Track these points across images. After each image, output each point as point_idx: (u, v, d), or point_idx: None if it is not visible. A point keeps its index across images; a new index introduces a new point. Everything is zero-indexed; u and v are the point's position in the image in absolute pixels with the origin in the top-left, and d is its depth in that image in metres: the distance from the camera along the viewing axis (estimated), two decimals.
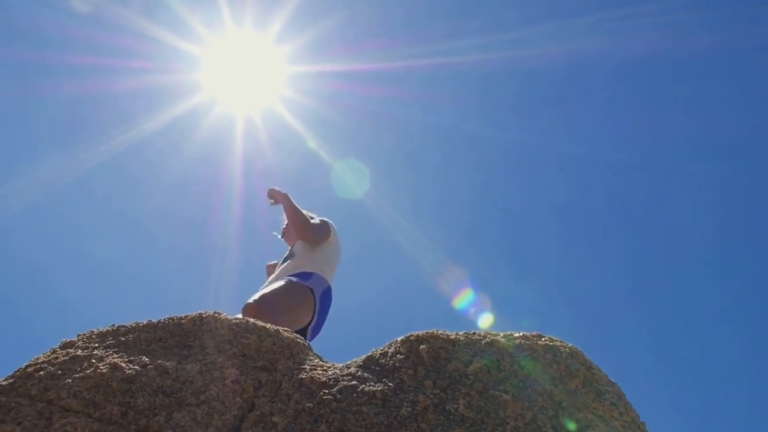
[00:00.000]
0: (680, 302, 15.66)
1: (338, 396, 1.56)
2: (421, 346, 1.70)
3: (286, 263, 3.43)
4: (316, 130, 12.88)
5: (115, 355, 1.69)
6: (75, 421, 1.46)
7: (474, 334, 1.75)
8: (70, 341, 1.79)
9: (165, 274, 15.00)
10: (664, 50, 13.23)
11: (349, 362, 1.75)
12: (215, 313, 1.92)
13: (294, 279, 3.15)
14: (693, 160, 15.15)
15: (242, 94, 12.61)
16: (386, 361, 1.70)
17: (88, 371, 1.59)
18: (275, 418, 1.50)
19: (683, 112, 14.29)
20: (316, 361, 1.78)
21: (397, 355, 1.70)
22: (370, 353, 1.77)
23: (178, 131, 12.75)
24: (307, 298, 3.11)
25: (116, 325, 1.87)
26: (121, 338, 1.80)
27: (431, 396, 1.54)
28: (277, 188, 3.60)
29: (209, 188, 13.40)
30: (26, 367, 1.64)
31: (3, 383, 1.58)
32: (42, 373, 1.60)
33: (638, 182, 15.71)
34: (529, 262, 16.24)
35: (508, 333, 1.74)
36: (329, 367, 1.72)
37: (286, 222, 3.85)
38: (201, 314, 1.90)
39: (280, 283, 3.09)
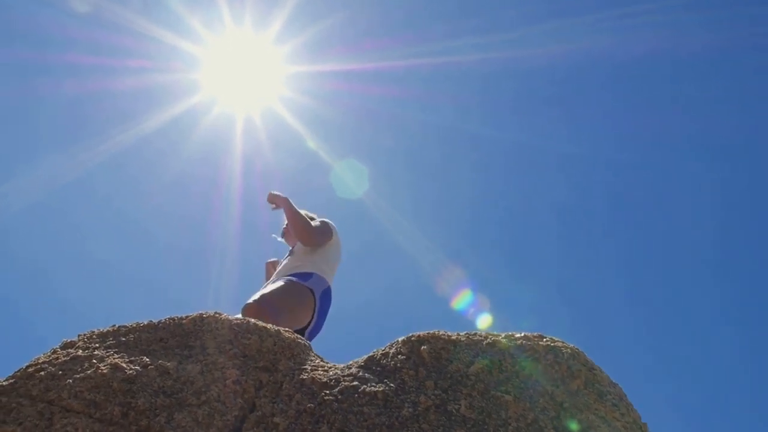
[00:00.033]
0: (680, 302, 15.67)
1: (339, 397, 1.55)
2: (423, 347, 1.69)
3: (286, 263, 3.43)
4: (315, 129, 12.88)
5: (115, 356, 1.68)
6: (76, 421, 1.45)
7: (475, 334, 1.75)
8: (71, 341, 1.78)
9: (165, 274, 15.00)
10: (664, 50, 13.25)
11: (350, 363, 1.75)
12: (216, 313, 1.91)
13: (294, 279, 3.14)
14: (692, 160, 15.17)
15: (242, 93, 12.61)
16: (387, 361, 1.70)
17: (88, 371, 1.59)
18: (276, 419, 1.50)
19: (683, 111, 14.30)
20: (317, 361, 1.78)
21: (399, 356, 1.70)
22: (371, 354, 1.76)
23: (178, 131, 12.74)
24: (306, 298, 3.11)
25: (117, 326, 1.87)
26: (121, 338, 1.79)
27: (433, 397, 1.54)
28: (277, 192, 3.59)
29: (209, 188, 13.40)
30: (27, 367, 1.64)
31: (4, 383, 1.58)
32: (43, 373, 1.60)
33: (638, 182, 15.72)
34: (529, 262, 16.24)
35: (510, 333, 1.74)
36: (330, 368, 1.72)
37: (286, 222, 3.85)
38: (202, 314, 1.89)
39: (280, 283, 3.09)
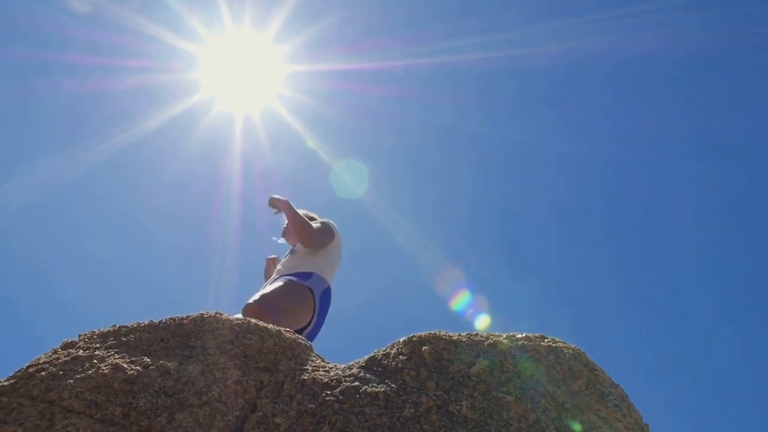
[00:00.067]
0: (680, 302, 15.68)
1: (341, 397, 1.55)
2: (424, 347, 1.69)
3: (286, 262, 3.43)
4: (315, 129, 12.88)
5: (116, 356, 1.68)
6: (77, 422, 1.45)
7: (477, 335, 1.74)
8: (72, 341, 1.78)
9: (164, 274, 14.99)
10: (663, 49, 13.25)
11: (351, 363, 1.75)
12: (216, 313, 1.91)
13: (294, 279, 3.14)
14: (692, 160, 15.18)
15: (241, 93, 12.60)
16: (388, 362, 1.70)
17: (89, 372, 1.59)
18: (277, 419, 1.50)
19: (682, 111, 14.30)
20: (318, 361, 1.78)
21: (400, 356, 1.70)
22: (372, 354, 1.76)
23: (177, 130, 12.73)
24: (306, 298, 3.11)
25: (117, 326, 1.87)
26: (122, 338, 1.79)
27: (434, 397, 1.54)
28: (277, 195, 3.59)
29: (208, 187, 13.39)
30: (28, 367, 1.64)
31: (4, 383, 1.58)
32: (43, 373, 1.60)
33: (637, 182, 15.72)
34: (529, 262, 16.24)
35: (511, 334, 1.74)
36: (331, 368, 1.72)
37: (286, 221, 3.85)
38: (202, 315, 1.89)
39: (280, 283, 3.09)
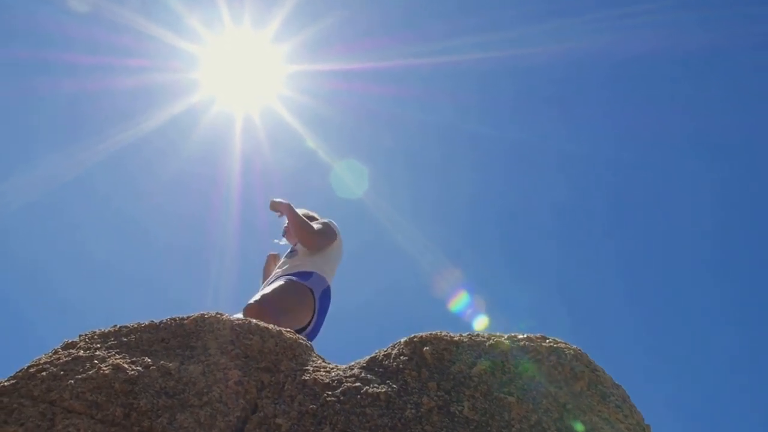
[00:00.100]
0: (679, 301, 15.68)
1: (342, 398, 1.55)
2: (425, 348, 1.69)
3: (287, 261, 3.43)
4: (314, 129, 12.87)
5: (117, 356, 1.68)
6: (78, 422, 1.45)
7: (478, 335, 1.74)
8: (72, 342, 1.78)
9: (164, 273, 14.98)
10: (663, 49, 13.25)
11: (352, 363, 1.75)
12: (217, 313, 1.91)
13: (294, 278, 3.15)
14: (691, 159, 15.18)
15: (241, 92, 12.59)
16: (390, 362, 1.70)
17: (90, 372, 1.58)
18: (278, 420, 1.50)
19: (682, 110, 14.30)
20: (318, 362, 1.78)
21: (401, 357, 1.70)
22: (373, 354, 1.76)
23: (177, 130, 12.72)
24: (307, 298, 3.11)
25: (118, 326, 1.87)
26: (123, 339, 1.79)
27: (435, 398, 1.54)
28: (278, 199, 3.60)
29: (208, 187, 13.38)
30: (28, 367, 1.63)
31: (5, 384, 1.57)
32: (44, 373, 1.59)
33: (637, 181, 15.72)
34: (528, 261, 16.24)
35: (513, 335, 1.73)
36: (332, 369, 1.72)
37: (286, 221, 3.85)
38: (203, 315, 1.89)
39: (280, 282, 3.09)
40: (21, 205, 12.49)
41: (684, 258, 15.57)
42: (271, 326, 1.89)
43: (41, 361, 1.66)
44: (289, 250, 3.58)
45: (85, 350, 1.71)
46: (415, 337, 1.75)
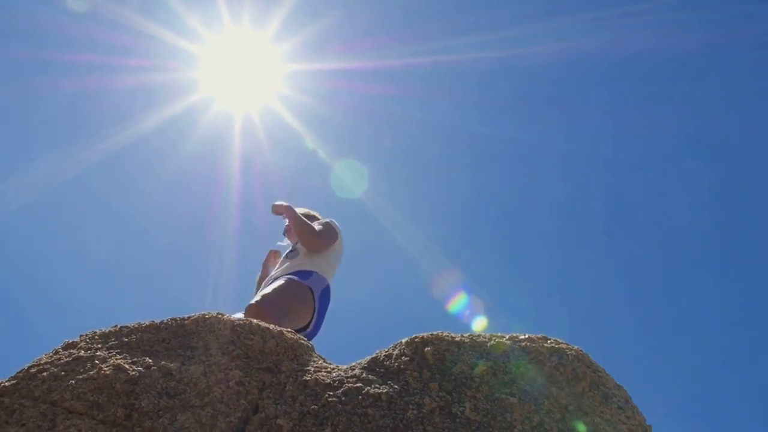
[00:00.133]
0: (678, 301, 15.68)
1: (343, 398, 1.55)
2: (426, 348, 1.69)
3: (287, 260, 3.44)
4: (314, 128, 12.87)
5: (118, 356, 1.68)
6: (79, 422, 1.45)
7: (479, 336, 1.74)
8: (73, 342, 1.78)
9: (164, 273, 14.98)
10: (662, 48, 13.26)
11: (354, 364, 1.75)
12: (218, 313, 1.91)
13: (294, 278, 3.15)
14: (690, 158, 15.19)
15: (240, 92, 12.59)
16: (391, 363, 1.69)
17: (91, 372, 1.58)
18: (280, 421, 1.49)
19: (680, 109, 14.31)
20: (320, 362, 1.78)
21: (402, 357, 1.70)
22: (374, 355, 1.76)
23: (176, 129, 12.72)
24: (307, 298, 3.11)
25: (119, 326, 1.86)
26: (123, 339, 1.79)
27: (437, 399, 1.53)
28: (279, 202, 3.62)
29: (207, 187, 13.38)
30: (29, 367, 1.63)
31: (6, 384, 1.57)
32: (45, 374, 1.59)
33: (636, 180, 15.73)
34: (527, 261, 16.24)
35: (514, 335, 1.73)
36: (333, 369, 1.72)
37: (287, 221, 3.85)
38: (204, 315, 1.89)
39: (281, 282, 3.09)
40: (21, 205, 12.49)
41: (683, 258, 15.58)
42: (272, 326, 1.89)
43: (42, 362, 1.65)
44: (289, 249, 3.58)
45: (86, 350, 1.71)
46: (416, 337, 1.75)
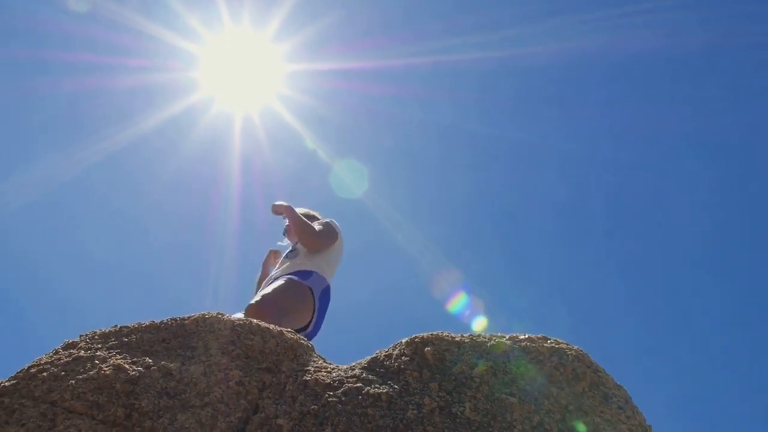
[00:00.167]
0: (678, 300, 15.68)
1: (343, 398, 1.55)
2: (426, 348, 1.69)
3: (287, 260, 3.44)
4: (314, 128, 12.88)
5: (118, 356, 1.68)
6: (79, 422, 1.45)
7: (479, 336, 1.74)
8: (73, 342, 1.78)
9: (163, 273, 14.98)
10: (661, 48, 13.26)
11: (354, 364, 1.75)
12: (218, 313, 1.91)
13: (294, 278, 3.15)
14: (690, 158, 15.19)
15: (240, 92, 12.59)
16: (391, 363, 1.69)
17: (91, 372, 1.58)
18: (280, 421, 1.49)
19: (680, 109, 14.32)
20: (319, 362, 1.78)
21: (402, 357, 1.70)
22: (374, 355, 1.76)
23: (176, 129, 12.72)
24: (307, 297, 3.11)
25: (119, 326, 1.86)
26: (123, 339, 1.79)
27: (437, 399, 1.53)
28: (279, 202, 3.62)
29: (207, 187, 13.38)
30: (29, 367, 1.63)
31: (6, 384, 1.57)
32: (45, 374, 1.59)
33: (636, 180, 15.73)
34: (527, 260, 16.24)
35: (514, 335, 1.73)
36: (333, 369, 1.72)
37: (287, 221, 3.86)
38: (204, 315, 1.89)
39: (281, 282, 3.09)
40: (20, 205, 12.48)
41: (683, 258, 15.58)
42: (272, 326, 1.89)
43: (42, 362, 1.65)
44: (289, 249, 3.59)
45: (86, 350, 1.71)
46: (416, 337, 1.75)
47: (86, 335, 1.82)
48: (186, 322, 1.86)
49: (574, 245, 15.98)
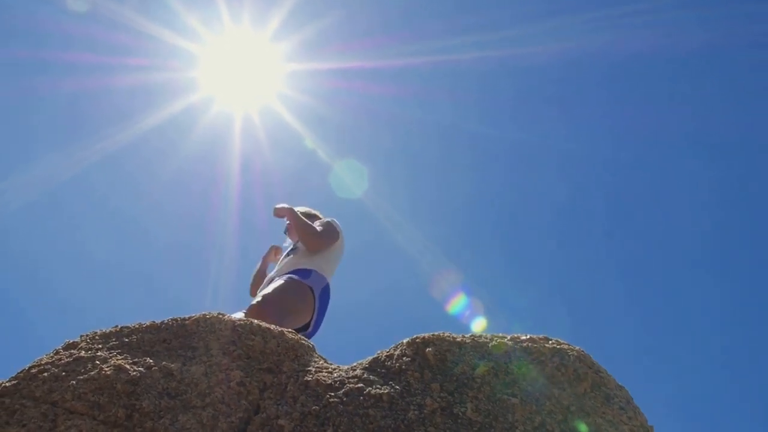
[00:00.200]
0: (678, 301, 15.68)
1: (344, 399, 1.55)
2: (428, 349, 1.69)
3: (287, 257, 3.45)
4: (314, 128, 12.88)
5: (119, 357, 1.67)
6: (80, 423, 1.44)
7: (481, 336, 1.74)
8: (74, 342, 1.77)
9: (163, 273, 14.98)
10: (661, 48, 13.26)
11: (355, 364, 1.75)
12: (219, 314, 1.91)
13: (294, 277, 3.15)
14: (690, 158, 15.20)
15: (240, 91, 12.59)
16: (392, 363, 1.69)
17: (92, 373, 1.58)
18: (281, 421, 1.49)
19: (680, 109, 14.32)
20: (321, 362, 1.78)
21: (404, 358, 1.70)
22: (375, 355, 1.76)
23: (176, 129, 12.72)
24: (307, 297, 3.12)
25: (119, 326, 1.86)
26: (124, 339, 1.78)
27: (438, 399, 1.53)
28: (280, 204, 3.63)
29: (207, 187, 13.37)
30: (30, 368, 1.63)
31: (6, 384, 1.57)
32: (46, 374, 1.59)
33: (636, 180, 15.73)
34: (527, 260, 16.24)
35: (515, 335, 1.73)
36: (334, 369, 1.71)
37: (287, 221, 3.86)
38: (205, 315, 1.89)
39: (281, 281, 3.10)
40: (21, 205, 12.48)
41: (683, 258, 15.59)
42: (272, 327, 1.89)
43: (42, 362, 1.65)
44: (290, 248, 3.59)
45: (86, 351, 1.70)
46: (417, 338, 1.75)
47: (87, 335, 1.81)
48: (187, 322, 1.86)
49: (574, 245, 15.98)
